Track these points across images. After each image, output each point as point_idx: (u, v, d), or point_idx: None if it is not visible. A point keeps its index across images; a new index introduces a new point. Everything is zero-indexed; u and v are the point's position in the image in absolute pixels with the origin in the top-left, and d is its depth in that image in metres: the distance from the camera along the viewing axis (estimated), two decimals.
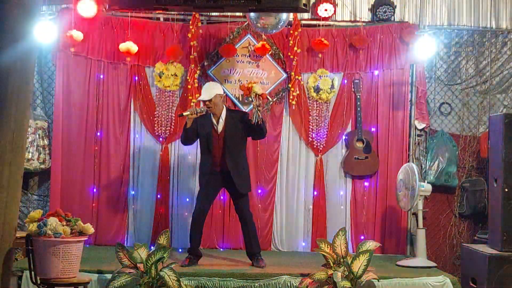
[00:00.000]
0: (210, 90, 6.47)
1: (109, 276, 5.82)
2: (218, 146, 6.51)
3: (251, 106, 7.71)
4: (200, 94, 6.71)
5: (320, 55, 7.72)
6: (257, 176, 7.74)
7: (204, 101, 6.46)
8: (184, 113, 6.42)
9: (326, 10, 7.58)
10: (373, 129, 7.82)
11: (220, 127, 6.50)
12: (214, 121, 6.52)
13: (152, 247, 6.23)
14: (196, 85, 7.59)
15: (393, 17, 7.84)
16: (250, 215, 6.65)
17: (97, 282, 5.90)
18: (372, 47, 7.79)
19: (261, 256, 6.64)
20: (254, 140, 7.07)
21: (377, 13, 7.78)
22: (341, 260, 5.88)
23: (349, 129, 7.84)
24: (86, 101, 7.66)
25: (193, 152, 7.64)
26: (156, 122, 7.69)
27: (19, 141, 4.44)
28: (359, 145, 7.72)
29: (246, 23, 7.66)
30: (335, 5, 7.68)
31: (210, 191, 6.65)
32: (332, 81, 7.73)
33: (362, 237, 7.59)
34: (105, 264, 6.24)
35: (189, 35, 7.56)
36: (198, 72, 7.63)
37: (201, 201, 6.63)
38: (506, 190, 6.23)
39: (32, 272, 5.00)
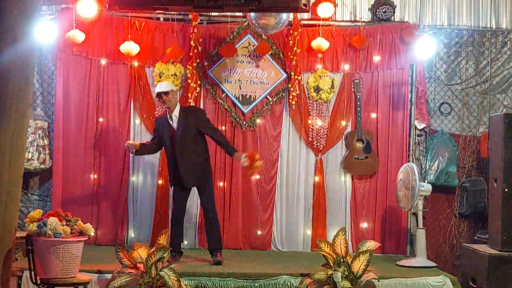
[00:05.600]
0: (166, 85, 6.66)
1: (109, 276, 5.81)
2: (175, 143, 6.61)
3: (251, 106, 7.74)
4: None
5: (320, 55, 7.72)
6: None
7: (161, 93, 6.56)
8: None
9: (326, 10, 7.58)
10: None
11: (175, 124, 6.61)
12: (170, 121, 6.65)
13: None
14: (196, 85, 7.59)
15: (393, 17, 7.84)
16: (213, 212, 6.72)
17: (97, 282, 5.90)
18: (372, 47, 7.79)
19: (221, 252, 6.68)
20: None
21: (377, 13, 7.78)
22: (341, 260, 5.87)
23: (349, 129, 7.84)
24: (86, 101, 7.66)
25: None
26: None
27: (19, 141, 4.43)
28: (359, 145, 7.72)
29: (246, 23, 7.65)
30: (335, 5, 7.67)
31: (179, 189, 6.73)
32: (332, 81, 7.73)
33: (362, 237, 7.58)
34: (105, 264, 6.23)
35: (190, 35, 7.57)
36: (197, 72, 7.64)
37: (177, 199, 6.76)
38: (506, 190, 6.23)
39: (32, 272, 5.01)
